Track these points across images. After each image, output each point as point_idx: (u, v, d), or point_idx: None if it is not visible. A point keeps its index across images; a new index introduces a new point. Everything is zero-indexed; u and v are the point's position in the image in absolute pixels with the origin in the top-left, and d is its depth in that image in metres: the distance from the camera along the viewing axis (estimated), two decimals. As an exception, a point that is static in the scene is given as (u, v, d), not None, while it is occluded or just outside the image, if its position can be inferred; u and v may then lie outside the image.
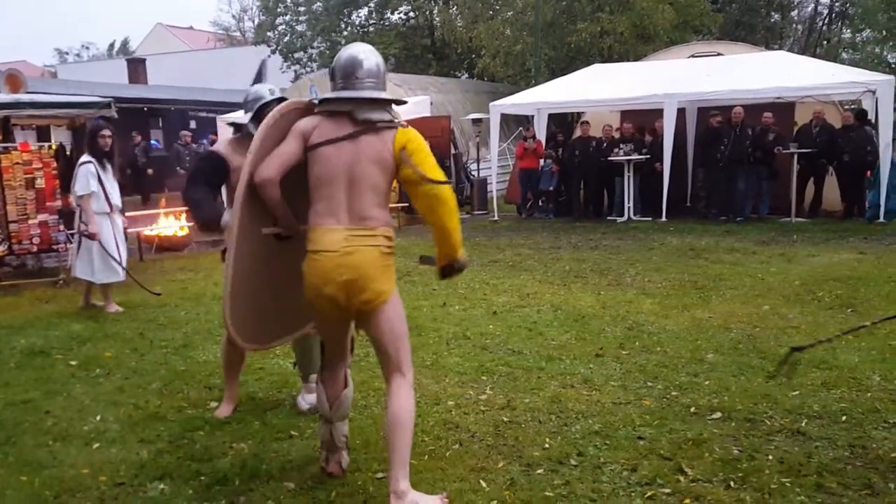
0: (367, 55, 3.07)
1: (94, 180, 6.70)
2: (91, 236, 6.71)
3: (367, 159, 2.97)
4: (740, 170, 11.94)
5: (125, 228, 7.38)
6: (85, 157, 6.81)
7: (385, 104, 3.06)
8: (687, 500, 3.04)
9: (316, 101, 3.16)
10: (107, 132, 6.90)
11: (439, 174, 3.02)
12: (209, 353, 5.40)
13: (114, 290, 7.05)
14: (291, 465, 3.47)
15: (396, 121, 3.06)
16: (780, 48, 26.25)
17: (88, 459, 3.61)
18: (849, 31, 29.29)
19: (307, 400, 4.08)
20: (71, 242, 9.35)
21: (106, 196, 6.81)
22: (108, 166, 6.89)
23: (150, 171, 16.83)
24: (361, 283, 2.94)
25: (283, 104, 3.19)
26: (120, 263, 6.94)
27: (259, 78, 4.44)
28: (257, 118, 3.82)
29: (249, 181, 3.02)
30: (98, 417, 4.17)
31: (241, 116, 4.13)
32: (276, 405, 4.28)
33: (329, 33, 26.78)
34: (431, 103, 16.15)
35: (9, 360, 5.40)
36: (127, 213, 10.48)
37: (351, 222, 2.96)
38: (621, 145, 12.90)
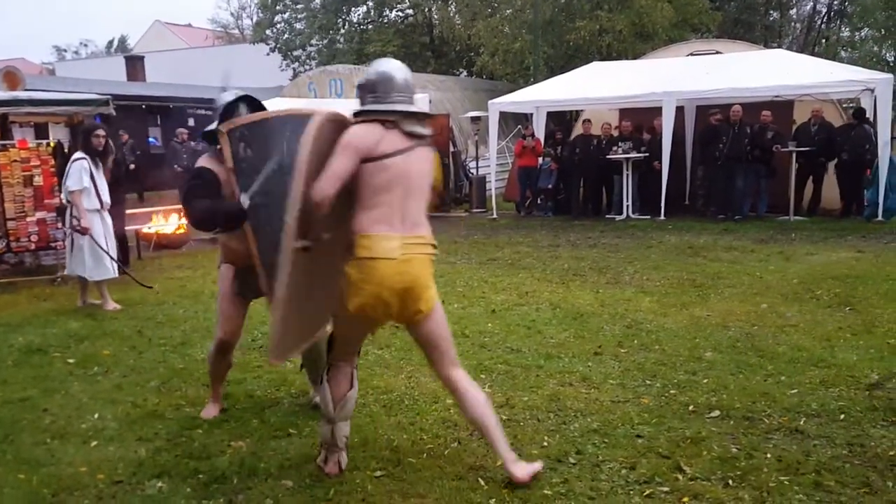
0: (398, 71, 3.16)
1: (86, 176, 6.76)
2: (83, 231, 6.74)
3: (419, 169, 3.11)
4: (738, 168, 11.93)
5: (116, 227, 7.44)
6: (79, 154, 6.89)
7: (422, 118, 3.19)
8: (685, 499, 3.04)
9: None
10: (101, 132, 7.00)
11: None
12: (207, 350, 5.39)
13: (112, 289, 7.05)
14: (290, 463, 3.46)
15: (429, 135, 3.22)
16: (779, 46, 26.18)
17: (86, 457, 3.61)
18: (847, 29, 29.28)
19: None
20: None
21: (97, 193, 6.85)
22: (101, 165, 6.99)
23: (132, 166, 16.62)
24: (417, 292, 3.06)
25: (320, 119, 3.08)
26: (113, 259, 6.97)
27: (225, 87, 4.43)
28: (224, 121, 3.71)
29: (306, 199, 2.93)
30: (96, 415, 4.16)
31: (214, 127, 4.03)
32: (274, 403, 4.27)
33: (327, 31, 26.73)
34: (430, 101, 16.11)
35: (6, 357, 5.39)
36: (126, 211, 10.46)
37: (405, 230, 3.05)
38: (620, 143, 12.89)
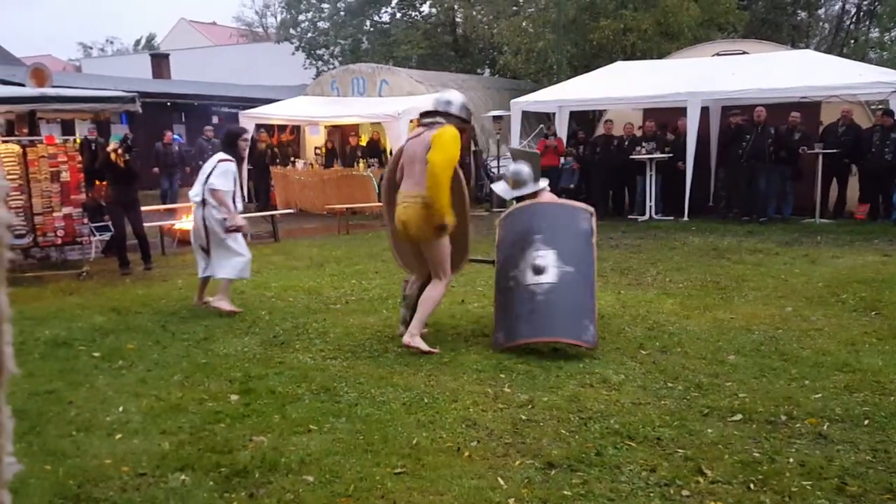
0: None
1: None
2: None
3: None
4: (761, 169, 11.79)
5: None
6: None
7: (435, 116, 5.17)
8: (706, 502, 3.02)
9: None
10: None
11: (439, 156, 4.89)
12: (230, 346, 5.45)
13: (137, 283, 7.11)
14: (310, 458, 3.49)
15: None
16: (807, 47, 25.84)
17: (111, 450, 3.65)
18: (876, 30, 28.82)
19: None
20: (95, 235, 9.48)
21: None
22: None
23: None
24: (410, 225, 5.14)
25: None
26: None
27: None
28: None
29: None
30: (120, 408, 4.21)
31: None
32: (296, 399, 4.30)
33: (355, 34, 26.74)
34: (452, 100, 16.10)
35: (33, 350, 5.47)
36: (150, 207, 10.58)
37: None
38: (643, 143, 12.81)
